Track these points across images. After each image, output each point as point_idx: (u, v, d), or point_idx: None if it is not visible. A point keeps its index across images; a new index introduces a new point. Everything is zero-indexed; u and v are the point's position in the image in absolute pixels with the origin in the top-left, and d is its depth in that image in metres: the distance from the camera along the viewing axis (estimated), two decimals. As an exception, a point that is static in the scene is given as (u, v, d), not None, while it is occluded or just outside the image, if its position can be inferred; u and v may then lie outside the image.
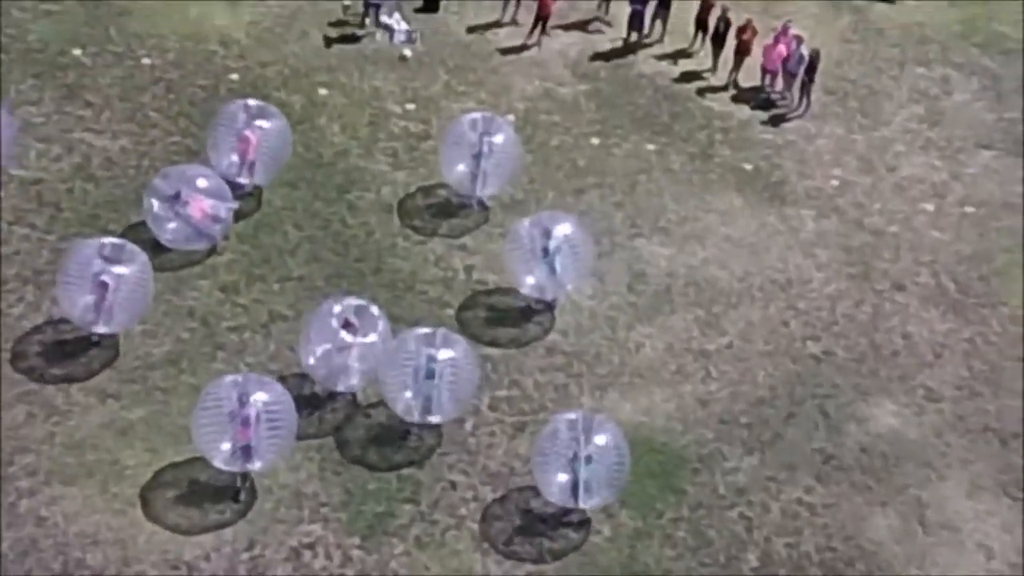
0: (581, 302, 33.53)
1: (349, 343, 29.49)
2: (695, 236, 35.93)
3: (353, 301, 29.93)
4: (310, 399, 29.90)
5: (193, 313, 31.71)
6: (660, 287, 34.47)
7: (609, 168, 37.54)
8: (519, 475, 29.73)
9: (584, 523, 28.92)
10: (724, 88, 40.53)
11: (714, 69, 40.90)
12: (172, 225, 32.20)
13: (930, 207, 37.77)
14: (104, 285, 29.82)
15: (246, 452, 27.70)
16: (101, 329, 30.14)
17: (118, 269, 30.02)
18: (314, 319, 29.63)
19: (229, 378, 28.18)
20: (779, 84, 40.44)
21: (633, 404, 31.55)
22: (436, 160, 35.85)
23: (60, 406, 29.43)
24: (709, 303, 34.13)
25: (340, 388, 29.72)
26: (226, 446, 27.71)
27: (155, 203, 32.22)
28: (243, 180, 34.08)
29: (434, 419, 29.83)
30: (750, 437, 31.29)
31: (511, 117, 37.36)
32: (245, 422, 27.52)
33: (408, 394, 29.59)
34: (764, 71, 40.50)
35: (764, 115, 39.77)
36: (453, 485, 29.24)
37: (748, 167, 38.13)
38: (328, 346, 29.27)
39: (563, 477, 29.08)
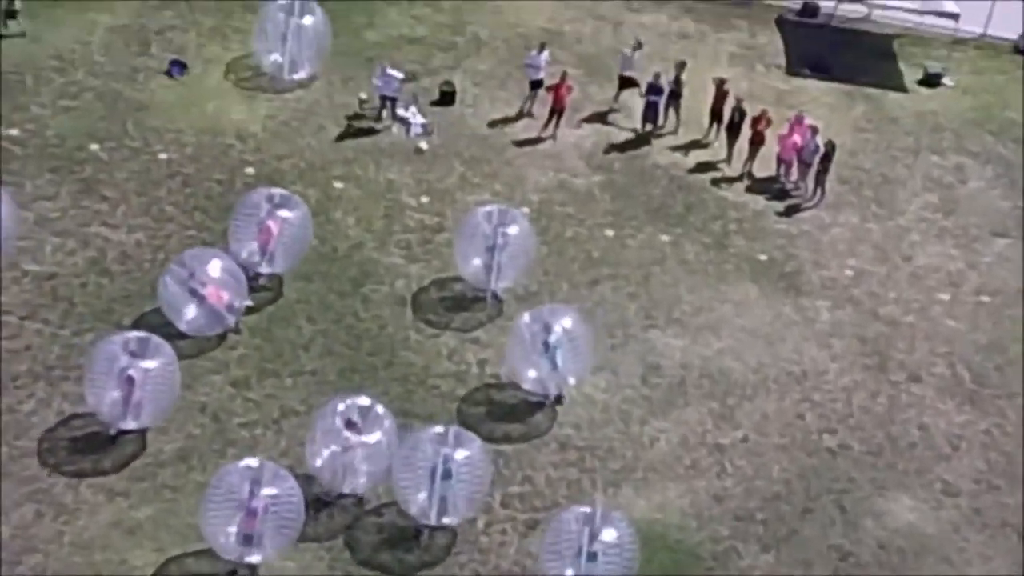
0: (594, 395, 33.37)
1: (353, 443, 29.45)
2: (710, 327, 35.81)
3: (358, 401, 29.89)
4: (318, 500, 29.80)
5: (204, 409, 31.61)
6: (674, 379, 34.30)
7: (623, 259, 37.49)
8: (533, 574, 29.60)
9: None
10: (739, 179, 40.61)
11: (729, 160, 40.95)
12: (190, 309, 32.47)
13: (946, 296, 37.61)
14: (131, 380, 29.84)
15: (248, 540, 27.69)
16: (130, 425, 30.15)
17: (145, 363, 29.98)
18: (319, 419, 29.58)
19: (244, 464, 28.22)
20: (794, 174, 40.48)
21: (647, 500, 31.32)
22: (450, 253, 35.87)
23: (69, 505, 29.33)
24: (724, 395, 33.95)
25: (346, 489, 29.58)
26: (231, 530, 27.72)
27: (170, 282, 32.52)
28: (263, 269, 34.43)
29: (449, 520, 29.66)
30: (766, 534, 31.01)
31: (525, 209, 37.40)
32: (252, 512, 27.53)
33: (423, 495, 29.41)
34: (779, 161, 40.52)
35: (779, 205, 39.74)
36: (466, 586, 29.08)
37: (763, 257, 38.05)
38: (334, 447, 29.21)
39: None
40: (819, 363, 35.11)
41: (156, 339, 30.63)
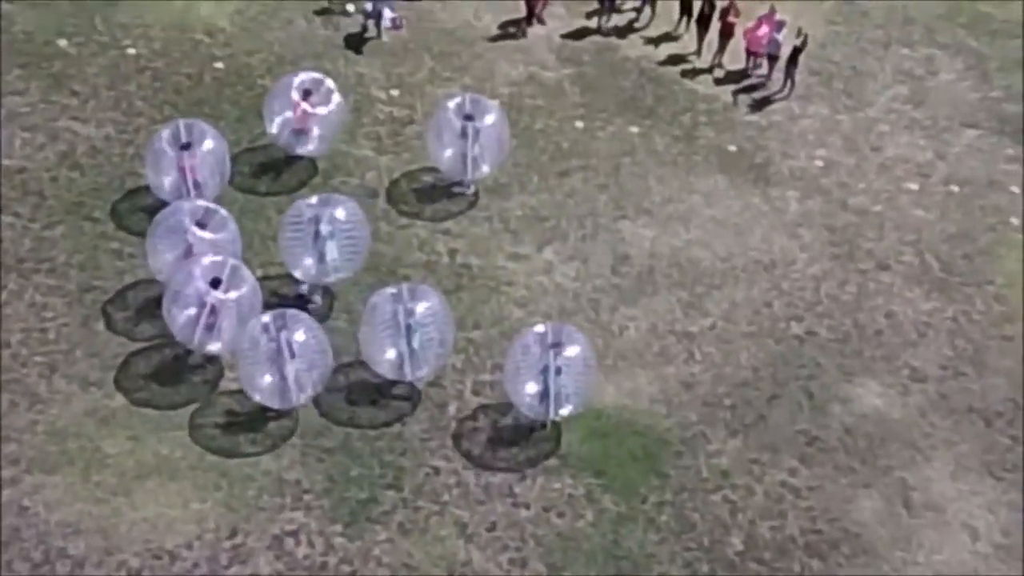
0: (565, 284, 33.51)
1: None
2: (679, 217, 35.92)
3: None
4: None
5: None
6: (644, 269, 34.46)
7: (593, 151, 37.51)
8: (503, 460, 29.89)
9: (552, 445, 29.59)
10: (709, 71, 40.57)
11: (699, 52, 40.90)
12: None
13: (914, 186, 37.73)
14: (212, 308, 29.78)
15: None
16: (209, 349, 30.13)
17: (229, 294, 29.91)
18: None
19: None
20: (764, 66, 40.47)
21: (617, 387, 31.55)
22: (420, 145, 35.83)
23: (42, 394, 29.48)
24: (693, 284, 34.11)
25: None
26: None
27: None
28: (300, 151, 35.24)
29: (421, 373, 29.84)
30: (733, 419, 31.30)
31: (496, 102, 37.35)
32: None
33: (391, 353, 29.62)
34: (748, 53, 40.48)
35: (748, 97, 39.78)
36: (436, 471, 29.25)
37: (732, 148, 38.09)
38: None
39: (534, 388, 29.75)
40: (788, 252, 35.27)
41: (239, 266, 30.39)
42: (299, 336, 28.58)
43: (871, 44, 42.37)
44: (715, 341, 32.70)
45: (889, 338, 33.35)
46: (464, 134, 34.06)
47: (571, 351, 29.73)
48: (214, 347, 29.79)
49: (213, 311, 29.20)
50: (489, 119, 34.33)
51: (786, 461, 30.25)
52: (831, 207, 36.80)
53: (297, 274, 30.91)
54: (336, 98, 34.65)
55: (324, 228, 30.26)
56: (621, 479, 29.36)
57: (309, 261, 30.64)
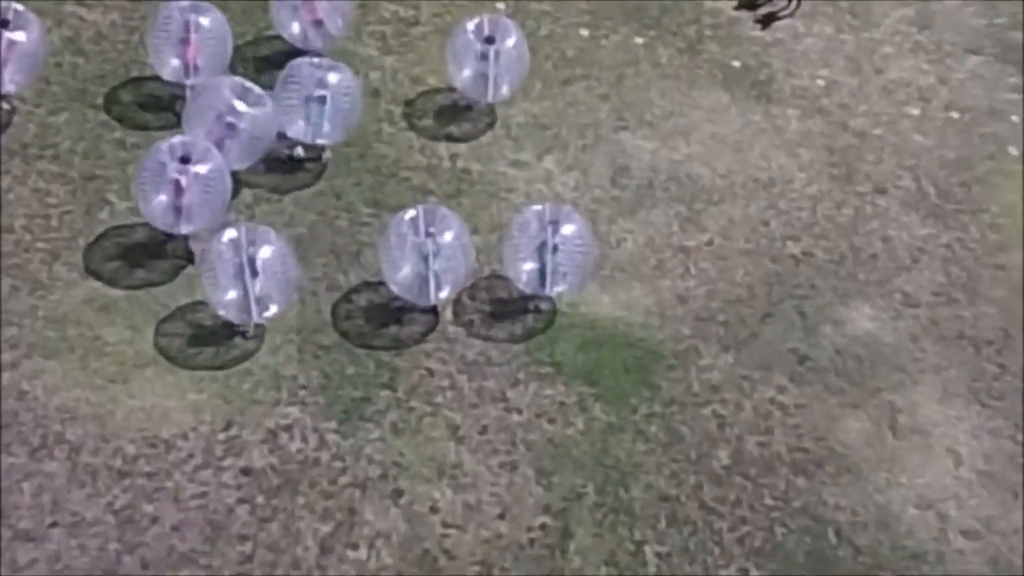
0: (564, 194, 33.47)
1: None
2: (680, 132, 35.87)
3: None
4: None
5: (179, 193, 31.93)
6: (643, 181, 34.44)
7: (597, 60, 37.33)
8: (497, 365, 30.13)
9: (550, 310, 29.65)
10: (716, -16, 40.51)
11: (707, -36, 40.84)
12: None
13: (915, 111, 37.70)
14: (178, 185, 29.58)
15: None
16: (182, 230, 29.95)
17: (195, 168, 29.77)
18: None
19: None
20: (771, -19, 40.46)
21: (612, 298, 31.67)
22: (425, 46, 35.63)
23: (43, 280, 29.53)
24: (691, 200, 34.14)
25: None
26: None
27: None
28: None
29: (444, 295, 29.95)
30: (726, 335, 31.47)
31: (501, 5, 37.22)
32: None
33: (407, 272, 29.72)
34: (754, -33, 40.43)
35: (754, 12, 39.67)
36: (431, 372, 29.48)
37: (736, 64, 37.96)
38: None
39: (531, 265, 30.25)
40: (786, 171, 35.30)
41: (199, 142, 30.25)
42: (264, 253, 28.46)
43: (879, -36, 42.40)
44: (711, 257, 32.81)
45: (884, 262, 33.47)
46: (484, 57, 33.79)
47: (568, 229, 29.92)
48: (186, 229, 29.71)
49: (181, 189, 29.10)
50: (510, 41, 33.93)
51: (776, 379, 30.45)
52: (831, 128, 36.77)
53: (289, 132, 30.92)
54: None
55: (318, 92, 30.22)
56: (613, 389, 29.59)
57: (301, 123, 30.61)
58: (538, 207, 30.70)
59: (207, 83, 30.52)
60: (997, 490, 28.67)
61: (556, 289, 31.17)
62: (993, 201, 34.78)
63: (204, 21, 31.80)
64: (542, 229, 30.85)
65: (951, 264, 33.49)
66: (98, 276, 29.61)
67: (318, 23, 34.32)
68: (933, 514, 28.17)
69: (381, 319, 30.11)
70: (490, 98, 34.31)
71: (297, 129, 30.24)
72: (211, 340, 28.94)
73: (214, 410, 28.63)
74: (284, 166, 32.13)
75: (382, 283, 30.21)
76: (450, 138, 33.50)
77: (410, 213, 29.62)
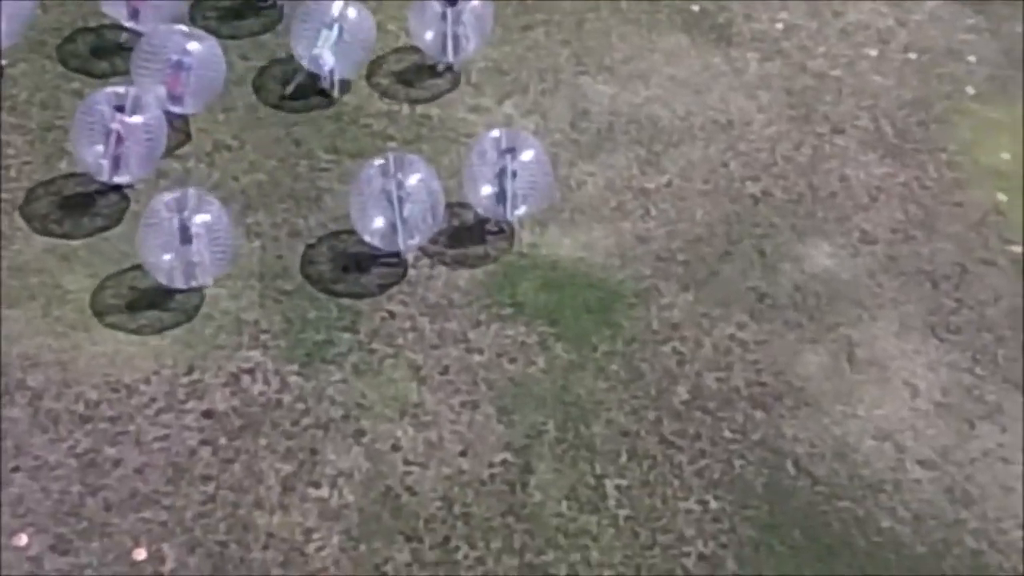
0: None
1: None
2: (639, 75, 36.02)
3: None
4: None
5: (138, 141, 31.94)
6: (603, 125, 34.58)
7: (557, 6, 37.37)
8: (458, 306, 30.29)
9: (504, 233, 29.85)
10: (675, -72, 40.60)
11: (664, -91, 40.91)
12: None
13: (874, 52, 37.89)
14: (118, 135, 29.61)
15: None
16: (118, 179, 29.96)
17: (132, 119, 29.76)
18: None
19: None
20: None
21: (573, 240, 31.82)
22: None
23: (3, 231, 29.59)
24: (650, 142, 34.32)
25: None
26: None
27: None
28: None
29: (414, 242, 30.08)
30: (686, 274, 31.66)
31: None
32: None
33: (380, 221, 29.79)
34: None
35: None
36: (392, 315, 29.62)
37: (695, 8, 38.07)
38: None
39: (489, 190, 30.37)
40: (746, 113, 35.46)
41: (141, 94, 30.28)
42: (202, 218, 28.50)
43: (837, -92, 42.52)
44: (671, 198, 32.97)
45: (842, 200, 33.68)
46: (445, 17, 33.80)
47: (526, 155, 30.18)
48: (122, 179, 29.77)
49: (119, 139, 29.16)
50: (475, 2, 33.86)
51: (736, 316, 30.65)
52: (790, 70, 36.93)
53: None
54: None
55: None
56: (573, 328, 29.77)
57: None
58: (495, 133, 30.85)
59: (156, 29, 30.52)
60: (953, 421, 28.96)
61: (516, 213, 31.41)
62: (950, 140, 35.02)
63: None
64: (500, 155, 30.98)
65: (908, 202, 33.74)
66: (59, 224, 29.73)
67: None
68: (890, 445, 28.45)
69: (345, 265, 30.32)
70: (451, 57, 34.37)
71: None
72: (172, 287, 29.13)
73: (176, 355, 28.75)
74: (243, 113, 32.34)
75: (346, 231, 30.39)
76: (409, 84, 33.69)
77: (379, 160, 29.76)
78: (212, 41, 30.10)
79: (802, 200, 33.92)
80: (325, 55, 31.69)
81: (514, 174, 30.14)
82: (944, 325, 31.60)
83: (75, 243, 29.48)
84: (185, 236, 28.14)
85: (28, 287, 29.65)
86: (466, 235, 30.26)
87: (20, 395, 27.60)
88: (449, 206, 31.17)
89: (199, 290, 28.75)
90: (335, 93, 32.06)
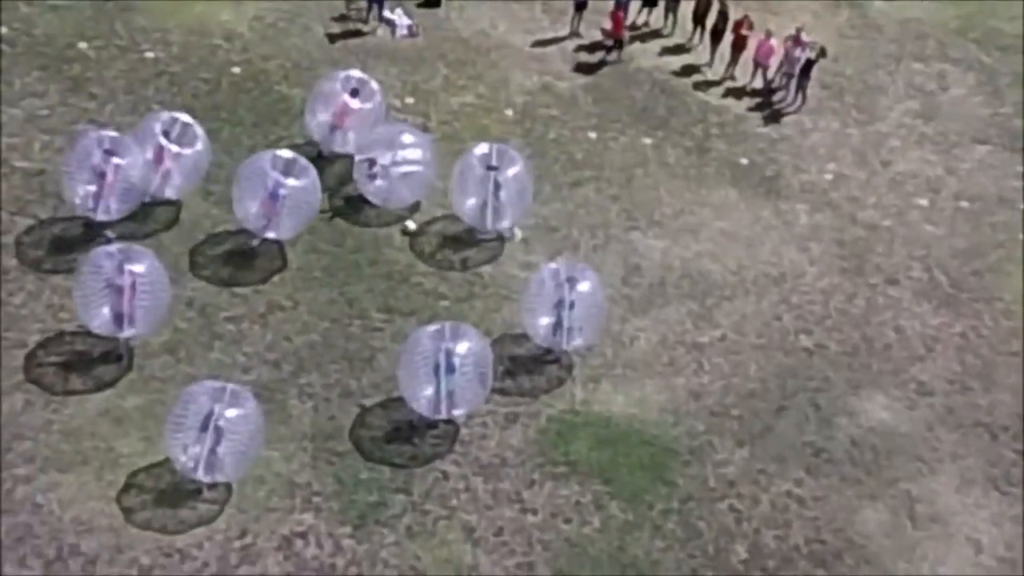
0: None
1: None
2: (690, 229, 36.20)
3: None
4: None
5: (192, 303, 31.97)
6: (655, 280, 34.73)
7: (606, 161, 37.81)
8: (512, 466, 30.15)
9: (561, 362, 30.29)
10: (719, 82, 40.88)
11: (711, 63, 41.23)
12: None
13: (924, 202, 38.00)
14: (120, 290, 30.15)
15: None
16: (126, 334, 30.46)
17: (135, 268, 30.16)
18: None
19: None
20: (770, 75, 40.80)
21: (626, 396, 31.81)
22: (433, 149, 35.99)
23: (58, 394, 29.78)
24: (703, 296, 34.39)
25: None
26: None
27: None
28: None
29: (458, 412, 30.14)
30: (741, 430, 31.54)
31: (509, 112, 37.79)
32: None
33: (429, 390, 29.91)
34: (756, 65, 40.74)
35: (760, 110, 40.07)
36: (445, 475, 29.51)
37: (743, 161, 38.39)
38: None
39: (547, 320, 31.27)
40: (797, 265, 35.54)
41: (138, 247, 31.03)
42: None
43: (884, 58, 42.75)
44: (724, 352, 32.96)
45: (897, 352, 33.59)
46: (487, 183, 33.99)
47: (583, 286, 31.40)
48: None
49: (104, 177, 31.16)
50: (512, 170, 33.98)
51: (792, 472, 30.47)
52: (841, 221, 37.07)
53: None
54: (377, 98, 35.69)
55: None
56: (628, 486, 29.61)
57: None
58: (554, 265, 31.50)
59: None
60: (1018, 576, 28.51)
61: (573, 343, 31.72)
62: (1005, 289, 34.89)
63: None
64: (558, 286, 31.58)
65: (965, 352, 33.52)
66: (112, 386, 29.71)
67: (336, 128, 35.39)
68: (956, 603, 28.07)
69: (397, 431, 30.22)
70: (490, 225, 34.48)
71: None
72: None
73: (229, 518, 28.73)
74: (295, 273, 32.41)
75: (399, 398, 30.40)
76: (460, 241, 33.87)
77: (434, 326, 29.76)
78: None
79: (857, 353, 33.79)
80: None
81: (572, 304, 30.39)
82: (1005, 478, 31.25)
83: (128, 405, 29.54)
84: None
85: (81, 451, 29.55)
86: (522, 366, 30.78)
87: (73, 561, 27.57)
88: (502, 338, 31.59)
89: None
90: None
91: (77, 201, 32.36)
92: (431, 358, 29.63)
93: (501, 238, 34.34)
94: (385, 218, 34.48)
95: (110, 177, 32.02)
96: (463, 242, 34.44)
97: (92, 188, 32.21)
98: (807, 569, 28.76)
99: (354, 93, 34.97)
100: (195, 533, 27.64)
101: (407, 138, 34.53)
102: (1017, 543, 29.68)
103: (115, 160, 32.27)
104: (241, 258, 33.11)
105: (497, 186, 34.16)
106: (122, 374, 30.20)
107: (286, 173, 32.59)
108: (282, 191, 32.37)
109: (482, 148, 34.79)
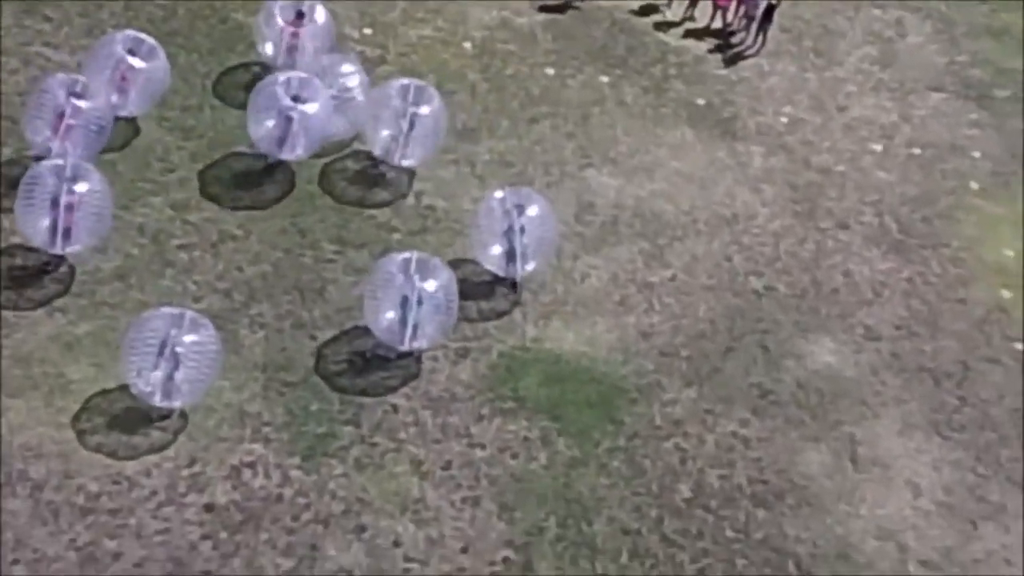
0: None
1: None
2: (644, 168, 36.31)
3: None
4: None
5: (143, 230, 31.84)
6: (607, 218, 34.85)
7: (563, 99, 37.82)
8: (461, 400, 30.29)
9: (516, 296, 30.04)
10: (679, 23, 40.93)
11: (670, 3, 41.26)
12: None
13: (878, 147, 38.22)
14: (67, 206, 30.22)
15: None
16: (62, 250, 30.54)
17: (78, 187, 30.22)
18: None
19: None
20: (729, 18, 40.85)
21: (576, 334, 31.98)
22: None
23: (8, 319, 29.70)
24: (655, 235, 34.55)
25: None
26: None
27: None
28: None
29: (419, 344, 30.21)
30: (689, 370, 31.79)
31: (467, 45, 37.73)
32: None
33: (392, 315, 30.02)
34: (715, 6, 40.79)
35: (720, 52, 40.18)
36: (395, 408, 29.66)
37: (700, 102, 38.47)
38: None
39: (499, 249, 31.57)
40: (750, 207, 35.72)
41: (87, 165, 31.00)
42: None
43: (842, 3, 42.86)
44: (674, 292, 33.16)
45: (845, 296, 33.88)
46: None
47: (532, 211, 31.68)
48: (72, 249, 30.69)
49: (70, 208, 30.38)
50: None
51: (738, 412, 30.76)
52: (795, 165, 37.25)
53: None
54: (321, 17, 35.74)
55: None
56: (576, 423, 29.83)
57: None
58: (500, 194, 31.64)
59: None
60: (956, 521, 28.91)
61: (526, 268, 31.91)
62: (954, 236, 35.18)
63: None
64: (506, 213, 31.65)
65: (912, 298, 33.84)
66: (62, 312, 29.56)
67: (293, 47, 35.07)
68: (892, 545, 28.42)
69: (353, 362, 30.28)
70: (396, 160, 34.18)
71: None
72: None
73: (178, 447, 28.76)
74: (249, 203, 32.35)
75: (355, 327, 30.39)
76: (415, 175, 33.83)
77: (402, 255, 29.78)
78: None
79: (805, 296, 34.05)
80: None
81: (522, 229, 30.49)
82: (947, 423, 31.63)
83: (79, 331, 29.47)
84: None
85: (32, 377, 29.42)
86: (473, 292, 31.23)
87: (21, 487, 27.57)
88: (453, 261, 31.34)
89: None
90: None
91: (37, 141, 31.98)
92: (399, 289, 29.71)
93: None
94: (340, 151, 34.44)
95: (70, 120, 31.56)
96: (418, 176, 34.46)
97: (49, 133, 31.73)
98: (749, 508, 29.07)
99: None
100: (144, 460, 27.69)
101: (346, 67, 34.62)
102: (956, 487, 30.10)
103: (76, 102, 31.80)
104: (194, 185, 33.20)
105: (412, 123, 34.20)
106: (59, 293, 30.21)
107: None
108: (295, 114, 32.84)
109: (401, 81, 34.86)
